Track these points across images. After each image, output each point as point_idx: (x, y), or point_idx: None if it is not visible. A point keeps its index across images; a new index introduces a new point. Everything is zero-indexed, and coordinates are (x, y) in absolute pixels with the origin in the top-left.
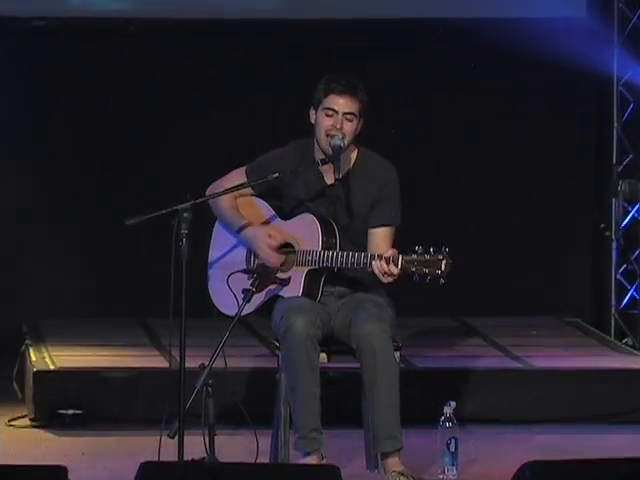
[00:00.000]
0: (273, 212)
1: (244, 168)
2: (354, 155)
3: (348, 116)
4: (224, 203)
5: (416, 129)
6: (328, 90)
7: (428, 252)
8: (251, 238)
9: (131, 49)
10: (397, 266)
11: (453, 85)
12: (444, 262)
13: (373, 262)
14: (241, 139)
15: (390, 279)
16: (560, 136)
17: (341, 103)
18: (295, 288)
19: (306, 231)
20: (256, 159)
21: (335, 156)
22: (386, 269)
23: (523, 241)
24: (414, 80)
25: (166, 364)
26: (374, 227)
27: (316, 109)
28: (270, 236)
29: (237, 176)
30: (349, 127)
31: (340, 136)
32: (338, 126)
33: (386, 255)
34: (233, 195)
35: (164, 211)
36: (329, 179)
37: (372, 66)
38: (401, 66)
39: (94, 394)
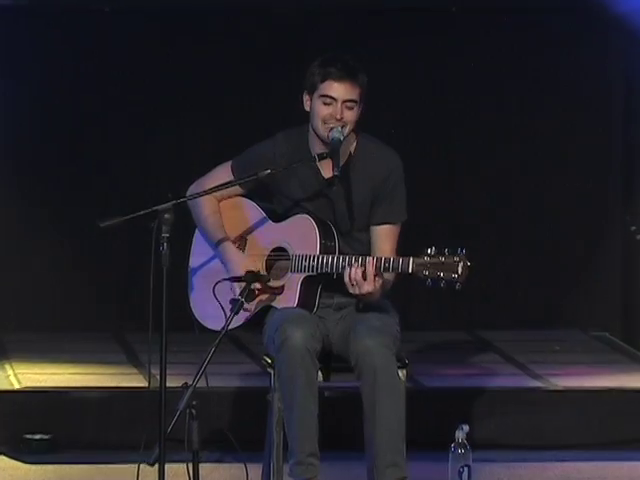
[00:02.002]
0: (263, 214)
1: (229, 164)
2: (353, 143)
3: (348, 104)
4: (204, 207)
5: (430, 122)
6: (325, 75)
7: (443, 254)
8: (225, 262)
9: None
10: (369, 278)
11: (470, 74)
12: (461, 264)
13: (348, 267)
14: (232, 131)
15: (357, 290)
16: (588, 135)
17: (340, 90)
18: (289, 298)
19: (302, 234)
20: (242, 153)
21: (334, 150)
22: (357, 278)
23: (545, 246)
24: (427, 64)
25: (145, 383)
26: (376, 225)
27: (311, 95)
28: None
29: (222, 173)
30: (350, 115)
31: (339, 128)
32: (338, 116)
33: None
34: (215, 197)
35: (142, 212)
36: (326, 173)
37: (382, 47)
38: (413, 47)
39: (64, 417)
